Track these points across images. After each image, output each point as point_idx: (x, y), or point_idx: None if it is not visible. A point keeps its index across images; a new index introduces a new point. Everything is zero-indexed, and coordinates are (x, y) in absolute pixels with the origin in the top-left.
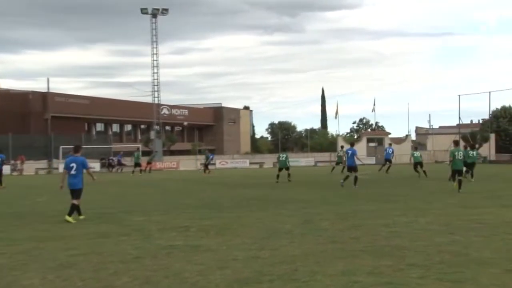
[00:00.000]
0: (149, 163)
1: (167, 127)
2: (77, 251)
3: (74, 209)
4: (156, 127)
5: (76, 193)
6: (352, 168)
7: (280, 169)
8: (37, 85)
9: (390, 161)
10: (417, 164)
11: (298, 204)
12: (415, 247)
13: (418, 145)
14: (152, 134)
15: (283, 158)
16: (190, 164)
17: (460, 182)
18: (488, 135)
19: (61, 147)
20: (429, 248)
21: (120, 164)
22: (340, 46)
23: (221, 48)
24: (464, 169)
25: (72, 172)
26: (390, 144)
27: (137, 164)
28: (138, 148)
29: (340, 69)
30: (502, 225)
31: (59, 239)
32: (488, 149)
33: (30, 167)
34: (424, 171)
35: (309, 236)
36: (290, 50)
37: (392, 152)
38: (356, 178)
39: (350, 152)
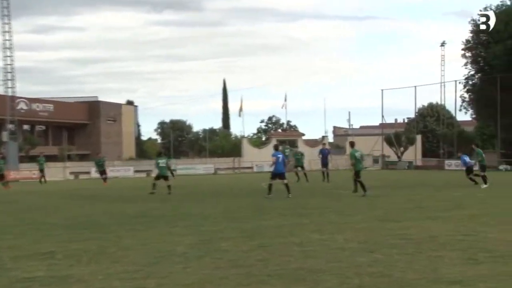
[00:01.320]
0: (42, 170)
1: (25, 126)
2: None
3: None
4: (10, 126)
5: None
6: (284, 175)
7: (158, 177)
8: None
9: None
10: (299, 166)
11: (193, 221)
12: (331, 268)
13: (336, 147)
14: (5, 135)
15: (163, 165)
16: (56, 172)
17: (362, 184)
18: (414, 136)
19: None
20: (347, 270)
21: None
22: (245, 29)
23: (96, 27)
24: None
25: None
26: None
27: (2, 176)
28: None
29: (245, 57)
30: (427, 241)
31: None
32: (414, 153)
33: None
34: (305, 174)
35: (206, 259)
36: (185, 33)
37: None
38: (287, 186)
39: (280, 156)
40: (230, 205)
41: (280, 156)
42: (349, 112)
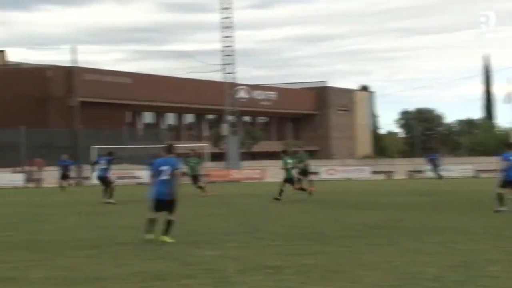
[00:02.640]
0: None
1: (246, 118)
2: None
3: (171, 226)
4: (230, 117)
5: (167, 205)
6: None
7: (286, 180)
8: (59, 57)
9: None
10: None
11: (447, 236)
12: None
13: None
14: (225, 128)
15: (290, 160)
16: (281, 172)
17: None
18: None
19: (92, 146)
20: None
21: None
22: None
23: None
24: None
25: (164, 177)
26: None
27: (195, 177)
28: (195, 152)
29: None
30: None
31: (92, 281)
32: None
33: (51, 175)
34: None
35: (468, 287)
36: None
37: None
38: None
39: None
40: (494, 218)
41: None
42: None
